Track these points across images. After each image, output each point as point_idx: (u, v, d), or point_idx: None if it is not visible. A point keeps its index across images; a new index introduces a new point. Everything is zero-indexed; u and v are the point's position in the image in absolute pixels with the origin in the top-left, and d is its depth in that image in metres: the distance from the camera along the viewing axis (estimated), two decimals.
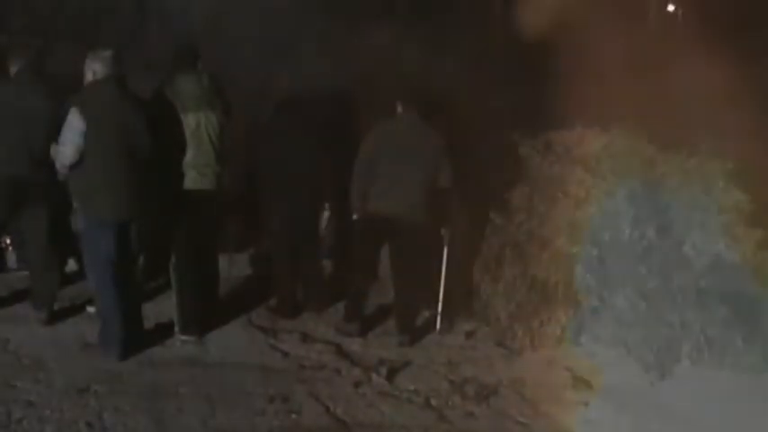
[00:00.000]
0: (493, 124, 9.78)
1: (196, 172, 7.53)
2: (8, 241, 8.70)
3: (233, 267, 8.88)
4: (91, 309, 7.73)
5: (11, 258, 8.80)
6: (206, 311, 7.83)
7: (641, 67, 12.21)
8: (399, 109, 8.22)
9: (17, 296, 8.17)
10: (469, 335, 8.43)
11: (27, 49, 8.06)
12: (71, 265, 8.49)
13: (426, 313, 8.52)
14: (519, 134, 9.10)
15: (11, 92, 7.58)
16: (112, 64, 7.02)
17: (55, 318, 7.76)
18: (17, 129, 7.38)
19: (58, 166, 7.06)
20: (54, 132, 7.19)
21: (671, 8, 15.45)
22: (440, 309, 8.36)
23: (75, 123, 6.83)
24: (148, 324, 7.68)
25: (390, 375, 7.46)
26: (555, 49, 12.04)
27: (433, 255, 8.29)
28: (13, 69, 7.68)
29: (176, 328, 7.67)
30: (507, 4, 13.77)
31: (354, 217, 8.23)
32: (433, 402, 7.14)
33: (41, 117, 7.37)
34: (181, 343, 7.62)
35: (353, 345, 7.97)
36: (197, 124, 7.52)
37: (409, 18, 11.71)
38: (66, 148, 6.89)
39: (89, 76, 7.04)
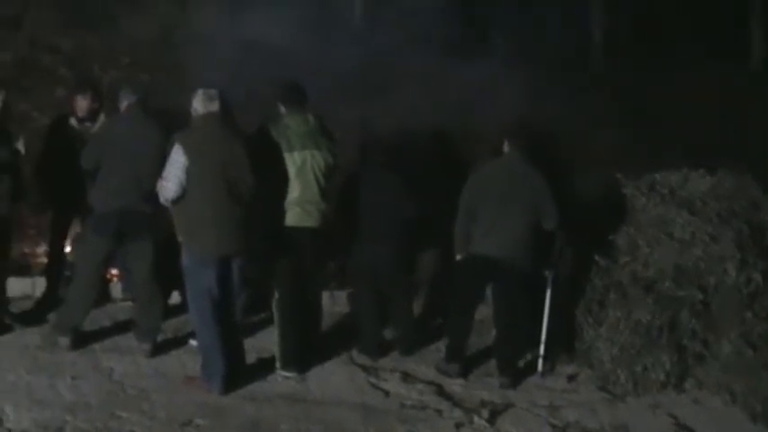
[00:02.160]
0: (596, 164, 9.71)
1: (300, 209, 7.58)
2: (114, 272, 8.86)
3: (335, 304, 8.88)
4: (193, 342, 7.80)
5: (115, 289, 8.96)
6: (308, 348, 7.84)
7: (743, 107, 12.02)
8: (506, 147, 8.19)
9: (121, 327, 8.31)
10: (571, 378, 8.29)
11: (136, 84, 8.23)
12: (175, 297, 8.60)
13: (528, 355, 8.41)
14: (623, 174, 8.98)
15: (121, 127, 7.78)
16: (217, 101, 7.13)
17: (158, 350, 7.87)
18: (127, 163, 7.55)
19: (161, 200, 7.18)
20: (162, 167, 7.37)
21: None
22: (542, 351, 8.25)
23: (177, 158, 6.95)
24: (250, 359, 7.71)
25: (492, 418, 7.37)
26: (658, 89, 11.93)
27: (536, 296, 8.20)
28: (123, 105, 7.88)
29: (278, 364, 7.69)
30: (606, 42, 13.70)
31: (457, 257, 8.19)
32: None
33: (150, 151, 7.54)
34: (282, 379, 7.63)
35: (454, 385, 7.89)
36: (303, 162, 7.57)
37: (509, 56, 11.64)
38: (170, 183, 7.01)
39: (195, 112, 7.15)
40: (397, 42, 11.59)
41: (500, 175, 8.09)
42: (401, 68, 11.62)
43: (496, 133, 8.52)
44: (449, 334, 8.29)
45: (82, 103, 8.55)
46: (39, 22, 12.49)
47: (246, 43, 11.57)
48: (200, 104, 7.13)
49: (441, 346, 8.44)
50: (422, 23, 11.81)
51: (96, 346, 7.96)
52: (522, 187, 8.00)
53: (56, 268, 8.81)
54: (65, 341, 7.76)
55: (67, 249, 9.16)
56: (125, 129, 7.71)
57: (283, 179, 7.55)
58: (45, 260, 9.13)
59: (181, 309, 8.39)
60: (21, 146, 7.94)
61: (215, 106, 7.11)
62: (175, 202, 7.06)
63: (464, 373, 8.07)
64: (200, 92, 7.17)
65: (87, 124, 8.48)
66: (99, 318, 8.43)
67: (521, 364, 8.31)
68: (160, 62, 11.55)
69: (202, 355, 7.34)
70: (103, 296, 8.57)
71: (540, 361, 8.25)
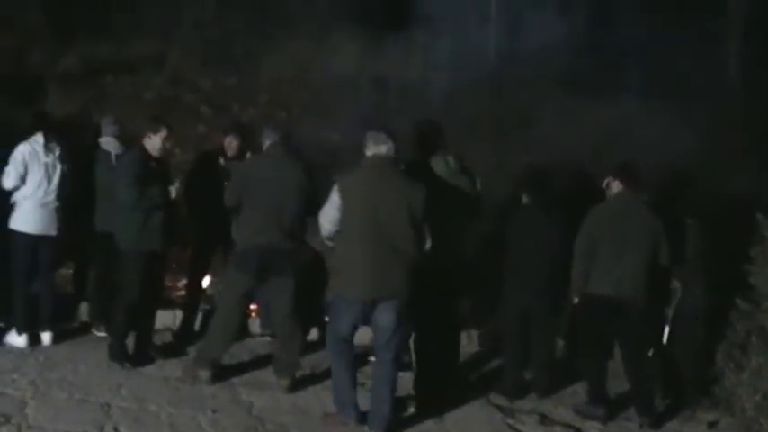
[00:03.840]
0: (735, 203, 9.45)
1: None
2: (253, 307, 9.00)
3: (470, 343, 8.83)
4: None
5: (254, 324, 9.10)
6: (445, 388, 7.80)
7: None
8: (615, 186, 8.14)
9: (260, 361, 8.46)
10: (712, 425, 8.06)
11: (277, 123, 8.38)
12: (313, 333, 8.68)
13: (667, 400, 8.23)
14: (764, 215, 8.72)
15: (264, 165, 7.93)
16: (385, 144, 7.15)
17: (297, 385, 7.94)
18: (269, 200, 7.69)
19: (322, 238, 7.29)
20: (303, 205, 7.50)
21: None
22: (669, 395, 8.15)
23: (333, 198, 7.03)
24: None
25: None
26: None
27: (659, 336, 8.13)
28: (266, 143, 8.03)
29: (414, 403, 7.67)
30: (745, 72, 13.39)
31: (575, 300, 8.14)
32: None
33: (292, 190, 7.69)
34: (419, 417, 7.59)
35: (592, 428, 7.78)
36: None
37: (645, 89, 11.51)
38: (324, 222, 7.11)
39: (367, 152, 7.20)
40: (532, 78, 11.58)
41: (617, 214, 8.02)
42: (537, 104, 11.60)
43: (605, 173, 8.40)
44: (587, 377, 8.18)
45: (232, 144, 8.80)
46: (180, 62, 12.90)
47: (382, 81, 11.71)
48: (369, 146, 7.17)
49: (577, 389, 8.38)
50: (556, 58, 11.79)
51: (236, 379, 8.09)
52: (639, 225, 7.93)
53: (194, 302, 9.02)
54: (205, 374, 7.92)
55: (205, 284, 9.39)
56: (268, 167, 7.85)
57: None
58: (185, 293, 9.36)
59: (319, 345, 8.49)
60: (175, 188, 8.23)
61: (382, 149, 7.12)
62: (331, 239, 7.16)
63: (611, 416, 7.95)
64: (370, 134, 7.20)
65: (235, 163, 8.71)
66: (238, 352, 8.60)
67: (660, 408, 8.13)
68: (297, 100, 11.78)
69: (333, 387, 7.35)
70: (243, 331, 8.71)
71: (680, 406, 8.07)
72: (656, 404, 8.08)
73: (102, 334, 8.90)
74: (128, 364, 8.15)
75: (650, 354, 8.23)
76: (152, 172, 8.15)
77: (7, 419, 6.87)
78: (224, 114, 11.79)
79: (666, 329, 8.15)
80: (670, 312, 8.15)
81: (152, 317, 8.54)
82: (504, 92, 11.95)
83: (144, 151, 8.22)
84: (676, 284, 8.29)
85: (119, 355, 8.21)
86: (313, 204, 7.62)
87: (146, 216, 8.06)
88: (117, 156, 8.72)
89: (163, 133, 8.21)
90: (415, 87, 11.11)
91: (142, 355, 8.32)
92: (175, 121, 11.28)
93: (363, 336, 7.52)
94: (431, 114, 8.49)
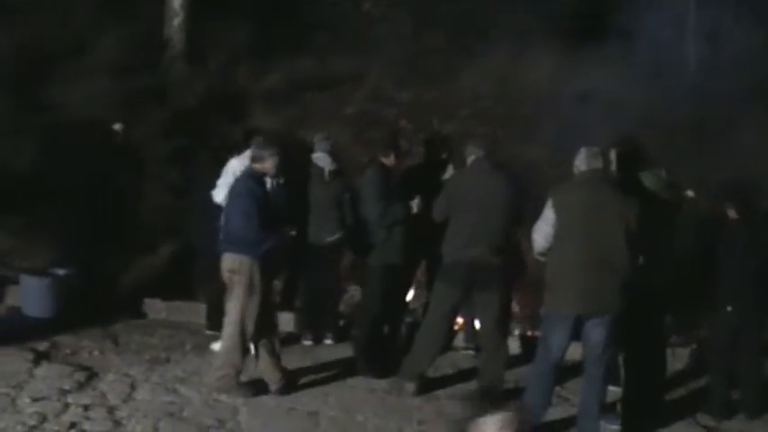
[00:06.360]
0: None
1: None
2: (460, 321, 9.05)
3: (675, 361, 8.62)
4: None
5: (458, 338, 9.14)
6: (653, 406, 7.63)
7: None
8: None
9: (464, 375, 8.52)
10: None
11: (481, 138, 8.41)
12: (513, 347, 8.66)
13: None
14: None
15: (470, 180, 7.98)
16: (600, 158, 7.11)
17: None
18: (476, 215, 7.71)
19: (534, 254, 7.27)
20: (510, 219, 7.52)
21: None
22: None
23: (547, 213, 7.02)
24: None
25: None
26: None
27: None
28: (470, 158, 8.06)
29: (620, 420, 7.52)
30: None
31: None
32: None
33: (499, 204, 7.70)
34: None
35: None
36: None
37: None
38: (537, 236, 7.10)
39: (577, 169, 7.15)
40: (732, 89, 11.23)
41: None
42: (739, 117, 11.24)
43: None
44: None
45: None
46: (380, 77, 13.09)
47: (581, 95, 11.56)
48: (582, 162, 7.12)
49: None
50: (756, 68, 11.40)
51: (440, 392, 8.14)
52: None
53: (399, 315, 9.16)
54: (411, 386, 8.00)
55: (409, 297, 9.49)
56: (474, 182, 7.89)
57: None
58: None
59: (523, 359, 8.47)
60: (416, 204, 8.38)
61: (598, 163, 7.08)
62: (544, 255, 7.13)
63: None
64: (583, 149, 7.15)
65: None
66: (443, 365, 8.66)
67: None
68: (496, 114, 11.77)
69: (524, 398, 7.29)
70: (447, 345, 8.77)
71: None
72: None
73: (310, 343, 9.13)
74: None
75: None
76: (394, 188, 8.41)
77: (222, 425, 7.17)
78: (424, 128, 11.90)
79: None
80: None
81: (396, 330, 8.84)
82: (703, 103, 11.60)
83: (384, 168, 8.47)
84: None
85: (364, 368, 8.42)
86: (520, 219, 7.63)
87: (388, 231, 8.28)
88: (330, 171, 8.93)
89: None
90: (614, 100, 10.92)
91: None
92: (376, 135, 11.61)
93: (574, 351, 7.43)
94: (630, 127, 8.33)
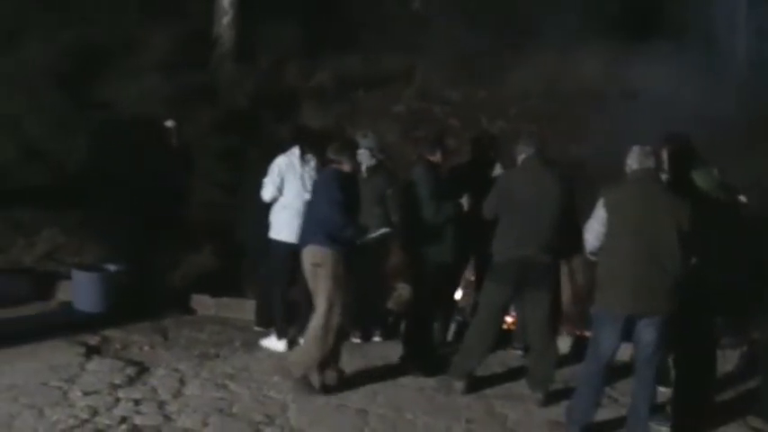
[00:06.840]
0: None
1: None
2: (510, 320, 9.02)
3: (725, 362, 8.53)
4: None
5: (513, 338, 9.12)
6: (703, 408, 7.55)
7: None
8: None
9: (513, 374, 8.47)
10: None
11: (532, 136, 8.35)
12: (562, 346, 8.61)
13: None
14: None
15: (520, 178, 7.92)
16: (652, 157, 7.05)
17: (550, 399, 7.86)
18: (527, 213, 7.66)
19: (586, 252, 7.23)
20: (560, 218, 7.50)
21: None
22: None
23: (598, 212, 6.97)
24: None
25: None
26: None
27: None
28: (521, 157, 8.02)
29: (670, 422, 7.44)
30: None
31: None
32: None
33: (550, 203, 7.65)
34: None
35: None
36: None
37: None
38: (588, 236, 7.06)
39: (629, 168, 7.09)
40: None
41: None
42: None
43: None
44: None
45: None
46: (429, 76, 13.08)
47: (630, 93, 11.48)
48: (634, 161, 7.06)
49: None
50: None
51: (489, 391, 8.12)
52: None
53: (448, 313, 9.14)
54: (460, 385, 7.98)
55: (458, 295, 9.48)
56: (524, 180, 7.84)
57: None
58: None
59: (573, 358, 8.43)
60: (466, 201, 8.34)
61: (650, 162, 7.02)
62: (595, 254, 7.09)
63: None
64: (635, 148, 7.09)
65: None
66: (491, 364, 8.63)
67: None
68: (546, 113, 11.71)
69: (573, 399, 7.27)
70: (497, 343, 8.74)
71: None
72: None
73: (358, 341, 9.15)
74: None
75: None
76: (444, 186, 8.39)
77: (271, 421, 7.19)
78: (472, 126, 11.86)
79: None
80: None
81: (445, 329, 8.89)
82: (754, 101, 11.47)
83: (432, 165, 8.45)
84: None
85: (413, 366, 8.44)
86: (571, 218, 7.58)
87: (440, 229, 8.27)
88: (368, 168, 8.93)
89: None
90: (664, 98, 10.82)
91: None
92: (425, 133, 11.60)
93: (623, 352, 7.37)
94: (680, 125, 8.24)
